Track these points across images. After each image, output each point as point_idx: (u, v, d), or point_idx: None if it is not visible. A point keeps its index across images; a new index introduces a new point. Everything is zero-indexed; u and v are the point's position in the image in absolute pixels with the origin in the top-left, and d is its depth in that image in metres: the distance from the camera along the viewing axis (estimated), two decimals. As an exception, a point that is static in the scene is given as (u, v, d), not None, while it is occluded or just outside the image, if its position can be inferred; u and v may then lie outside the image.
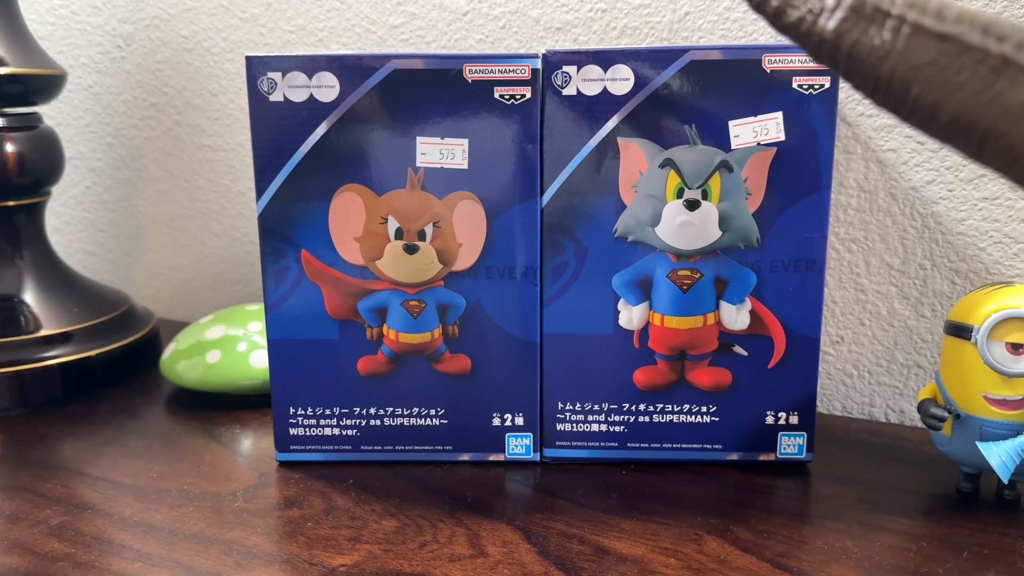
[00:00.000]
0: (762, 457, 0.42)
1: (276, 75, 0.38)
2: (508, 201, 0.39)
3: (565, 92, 0.38)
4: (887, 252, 0.47)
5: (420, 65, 0.38)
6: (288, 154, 0.39)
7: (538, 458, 0.43)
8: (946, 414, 0.37)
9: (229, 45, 0.62)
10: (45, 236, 0.56)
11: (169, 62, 0.65)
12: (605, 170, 0.39)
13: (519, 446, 0.42)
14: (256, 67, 0.38)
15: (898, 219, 0.47)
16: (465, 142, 0.39)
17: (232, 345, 0.50)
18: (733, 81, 0.38)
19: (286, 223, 0.40)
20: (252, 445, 0.45)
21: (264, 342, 0.50)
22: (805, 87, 0.38)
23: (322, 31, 0.59)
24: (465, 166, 0.39)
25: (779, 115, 0.38)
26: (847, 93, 0.46)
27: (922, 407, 0.38)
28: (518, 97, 0.38)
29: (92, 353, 0.52)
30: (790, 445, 0.42)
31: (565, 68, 0.38)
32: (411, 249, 0.40)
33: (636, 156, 0.39)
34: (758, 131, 0.38)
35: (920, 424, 0.48)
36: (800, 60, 0.37)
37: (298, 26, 0.59)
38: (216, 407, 0.50)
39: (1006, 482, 0.36)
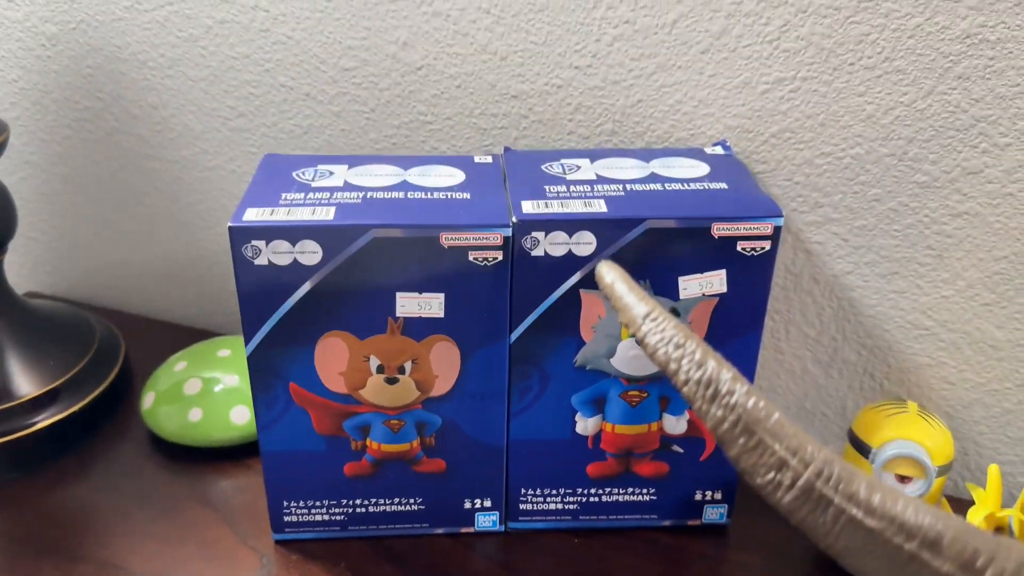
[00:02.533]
0: (690, 523, 0.50)
1: (260, 243, 0.40)
2: (480, 342, 0.43)
3: (533, 253, 0.41)
4: (805, 324, 0.54)
5: (399, 234, 0.40)
6: (274, 308, 0.42)
7: (503, 529, 0.50)
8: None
9: (167, 62, 0.60)
10: (10, 291, 0.57)
11: (102, 69, 0.62)
12: (567, 315, 0.43)
13: (487, 521, 0.49)
14: (239, 236, 0.40)
15: (818, 299, 0.53)
16: (441, 296, 0.42)
17: (212, 403, 0.54)
18: (684, 244, 0.41)
19: (273, 362, 0.43)
20: (247, 514, 0.50)
21: (242, 394, 0.54)
22: (748, 249, 0.42)
23: (268, 63, 0.57)
24: (442, 315, 0.42)
25: (723, 272, 0.42)
26: (782, 191, 0.50)
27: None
28: (491, 260, 0.41)
29: (78, 407, 0.55)
30: (714, 513, 0.50)
31: (534, 233, 0.41)
32: (392, 381, 0.44)
33: (596, 304, 0.43)
34: (704, 285, 0.43)
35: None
36: (745, 228, 0.41)
37: (242, 54, 0.58)
38: (202, 458, 0.55)
39: None
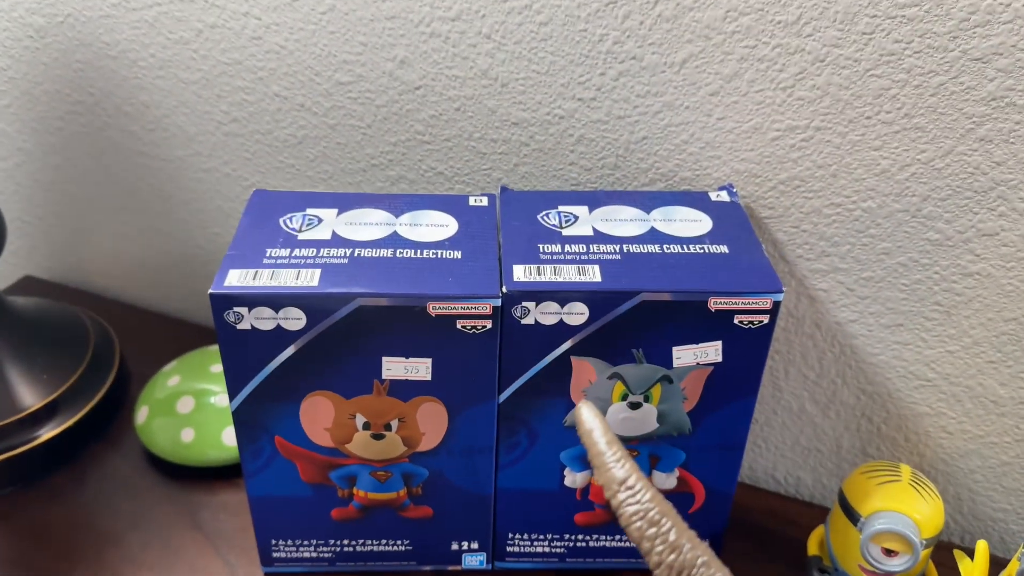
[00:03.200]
0: (676, 566, 0.50)
1: (242, 309, 0.39)
2: (468, 402, 0.43)
3: (524, 321, 0.40)
4: (805, 366, 0.53)
5: (385, 303, 0.39)
6: (257, 369, 0.41)
7: (490, 567, 0.50)
8: (828, 578, 0.46)
9: (158, 62, 0.58)
10: (3, 301, 0.56)
11: (91, 65, 0.60)
12: (557, 380, 0.42)
13: (474, 560, 0.49)
14: (221, 303, 0.39)
15: (819, 343, 0.51)
16: (429, 361, 0.41)
17: (205, 424, 0.54)
18: (679, 316, 0.40)
19: (258, 417, 0.43)
20: (238, 542, 0.51)
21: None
22: (745, 323, 0.41)
23: (261, 71, 0.55)
24: (429, 378, 0.42)
25: (719, 343, 0.41)
26: (788, 237, 0.48)
27: (809, 564, 0.46)
28: (479, 328, 0.40)
29: (74, 420, 0.55)
30: (700, 558, 0.50)
31: (524, 303, 0.40)
32: (378, 437, 0.43)
33: (586, 370, 0.42)
34: (699, 355, 0.41)
35: (812, 501, 0.56)
36: (744, 303, 0.40)
37: (234, 60, 0.55)
38: (195, 477, 0.55)
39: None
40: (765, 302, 0.40)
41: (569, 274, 0.40)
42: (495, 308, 0.39)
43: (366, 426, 0.43)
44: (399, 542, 0.48)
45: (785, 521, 0.54)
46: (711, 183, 0.48)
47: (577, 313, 0.40)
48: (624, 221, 0.44)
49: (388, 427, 0.43)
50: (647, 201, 0.46)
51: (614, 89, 0.47)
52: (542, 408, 0.43)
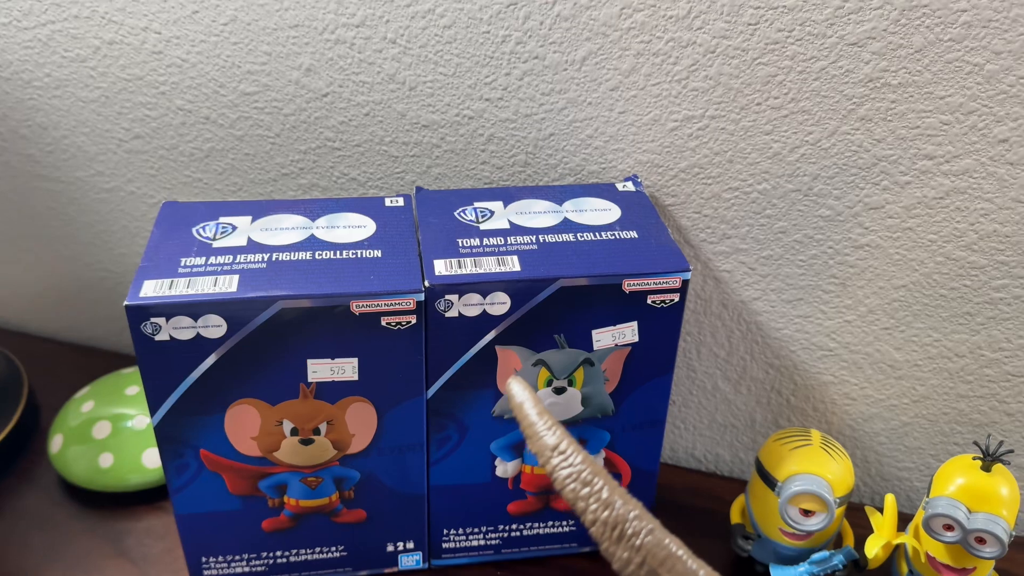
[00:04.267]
0: (608, 548, 0.52)
1: (159, 320, 0.38)
2: (396, 400, 0.43)
3: (448, 315, 0.41)
4: (715, 345, 0.55)
5: (307, 304, 0.39)
6: (178, 381, 0.40)
7: (427, 567, 0.50)
8: (750, 546, 0.48)
9: (54, 81, 0.56)
10: None
11: (-19, 87, 0.58)
12: (484, 371, 0.43)
13: (410, 560, 0.50)
14: (136, 315, 0.38)
15: (727, 322, 0.54)
16: (355, 360, 0.41)
17: (123, 447, 0.53)
18: (597, 300, 0.42)
19: (181, 432, 0.42)
20: (165, 565, 0.50)
21: (153, 436, 0.53)
22: (658, 302, 0.42)
23: (163, 85, 0.54)
24: (356, 378, 0.42)
25: (635, 324, 0.43)
26: (691, 223, 0.51)
27: (733, 532, 0.49)
28: (404, 324, 0.41)
29: (-24, 458, 0.53)
30: (631, 538, 0.51)
31: (447, 296, 0.40)
32: (307, 443, 0.43)
33: (511, 359, 0.43)
34: (616, 336, 0.43)
35: (732, 475, 0.59)
36: (655, 283, 0.42)
37: (134, 75, 0.55)
38: (116, 504, 0.53)
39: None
40: (675, 281, 0.42)
41: (489, 265, 0.41)
42: (419, 303, 0.40)
43: (294, 432, 0.43)
44: (333, 548, 0.48)
45: (708, 496, 0.56)
46: (617, 175, 0.50)
47: (499, 303, 0.41)
48: (538, 213, 0.45)
49: (317, 431, 0.43)
50: (558, 194, 0.47)
51: (520, 88, 0.49)
52: (470, 400, 0.44)
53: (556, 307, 0.41)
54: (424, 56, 0.49)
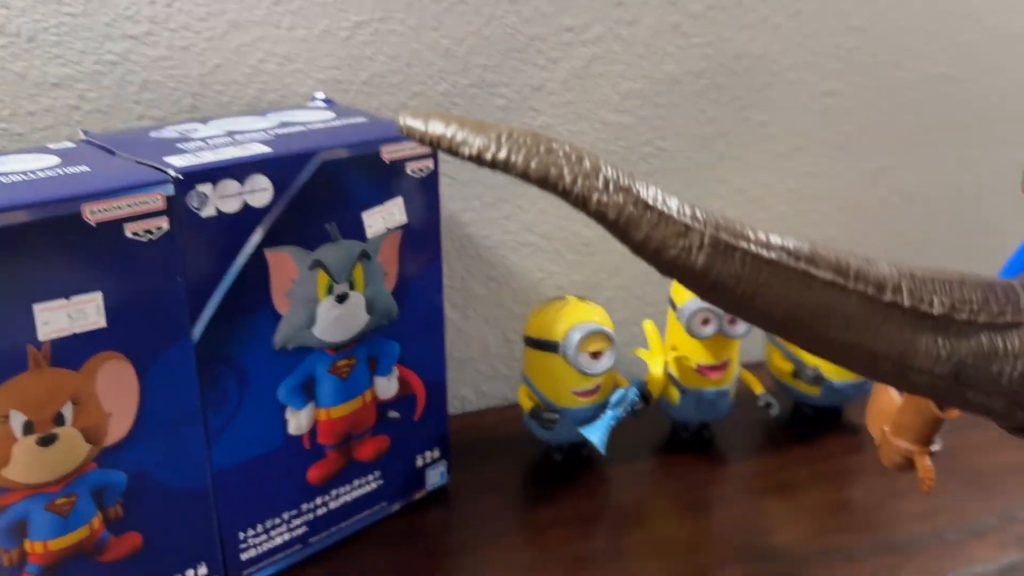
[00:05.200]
0: (416, 496, 0.46)
1: None
2: (158, 347, 0.33)
3: (204, 214, 0.33)
4: (435, 273, 0.54)
5: (25, 217, 0.29)
6: None
7: (227, 595, 0.39)
8: (557, 416, 0.47)
9: None
10: None
11: None
12: (256, 285, 0.36)
13: (205, 594, 0.38)
14: None
15: (443, 243, 0.53)
16: (98, 296, 0.31)
17: None
18: (360, 175, 0.38)
19: None
20: None
21: None
22: (416, 171, 0.40)
23: None
24: (103, 324, 0.32)
25: (400, 200, 0.40)
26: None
27: (535, 415, 0.47)
28: (154, 232, 0.32)
29: None
30: (435, 476, 0.46)
31: (200, 187, 0.33)
32: (48, 441, 0.31)
33: (285, 265, 0.37)
34: (386, 218, 0.40)
35: (481, 408, 0.57)
36: (411, 148, 0.40)
37: None
38: None
39: (605, 453, 0.47)
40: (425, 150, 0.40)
41: (234, 152, 0.35)
42: (168, 198, 0.32)
43: (28, 428, 0.30)
44: (104, 610, 0.34)
45: (483, 429, 0.53)
46: (300, 99, 0.47)
47: (260, 190, 0.35)
48: (248, 123, 0.40)
49: (60, 419, 0.31)
50: (255, 115, 0.42)
51: (169, 16, 0.43)
52: (246, 332, 0.36)
53: (321, 191, 0.37)
54: (37, -6, 0.41)
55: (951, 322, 0.25)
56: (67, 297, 0.30)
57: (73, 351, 0.31)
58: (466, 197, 0.53)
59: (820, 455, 0.51)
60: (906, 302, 0.25)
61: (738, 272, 0.24)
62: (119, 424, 0.33)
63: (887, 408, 0.42)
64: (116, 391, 0.32)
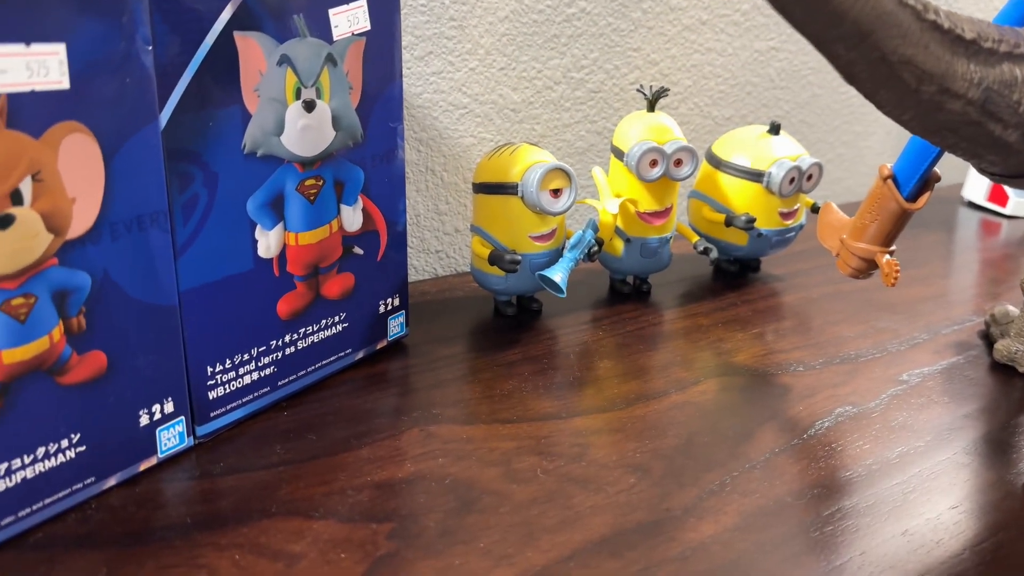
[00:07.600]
0: (379, 345, 0.43)
1: None
2: (125, 128, 0.29)
3: (173, -28, 0.29)
4: (366, 132, 0.50)
5: (-24, -73, 0.24)
6: None
7: (192, 443, 0.35)
8: (520, 257, 0.45)
9: None
10: None
11: None
12: (225, 73, 0.32)
13: (171, 438, 0.34)
14: None
15: (371, 99, 0.50)
16: (61, 48, 0.26)
17: None
18: (327, -36, 0.35)
19: None
20: None
21: None
22: (381, -27, 0.37)
23: None
24: (66, 84, 0.27)
25: (364, 3, 0.37)
26: None
27: (496, 259, 0.45)
28: (123, -20, 0.28)
29: None
30: (395, 326, 0.44)
31: (168, -59, 0.29)
32: (3, 223, 0.26)
33: (254, 52, 0.33)
34: (352, 20, 0.37)
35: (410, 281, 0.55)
36: (376, -56, 0.37)
37: None
38: None
39: (564, 295, 0.46)
40: (390, -56, 0.37)
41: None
42: (137, -56, 0.28)
43: (-20, 203, 0.25)
44: (65, 442, 0.29)
45: (420, 298, 0.51)
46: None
47: (230, -41, 0.31)
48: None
49: (17, 198, 0.26)
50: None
51: None
52: (215, 128, 0.32)
53: (289, -27, 0.33)
54: None
55: (980, 48, 0.26)
56: (27, 43, 0.25)
57: (32, 113, 0.26)
58: (397, 49, 0.50)
59: (756, 296, 0.53)
60: (944, 23, 0.26)
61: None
62: (83, 213, 0.28)
63: (837, 223, 0.44)
64: (80, 172, 0.28)
